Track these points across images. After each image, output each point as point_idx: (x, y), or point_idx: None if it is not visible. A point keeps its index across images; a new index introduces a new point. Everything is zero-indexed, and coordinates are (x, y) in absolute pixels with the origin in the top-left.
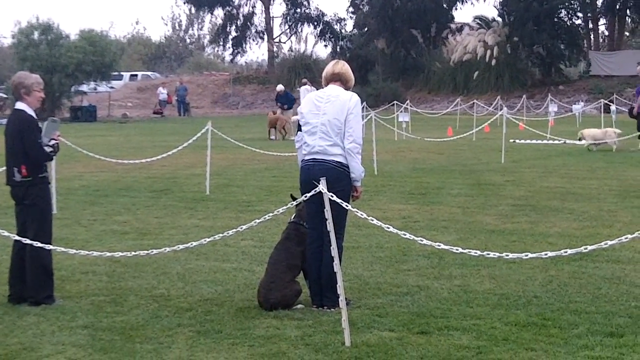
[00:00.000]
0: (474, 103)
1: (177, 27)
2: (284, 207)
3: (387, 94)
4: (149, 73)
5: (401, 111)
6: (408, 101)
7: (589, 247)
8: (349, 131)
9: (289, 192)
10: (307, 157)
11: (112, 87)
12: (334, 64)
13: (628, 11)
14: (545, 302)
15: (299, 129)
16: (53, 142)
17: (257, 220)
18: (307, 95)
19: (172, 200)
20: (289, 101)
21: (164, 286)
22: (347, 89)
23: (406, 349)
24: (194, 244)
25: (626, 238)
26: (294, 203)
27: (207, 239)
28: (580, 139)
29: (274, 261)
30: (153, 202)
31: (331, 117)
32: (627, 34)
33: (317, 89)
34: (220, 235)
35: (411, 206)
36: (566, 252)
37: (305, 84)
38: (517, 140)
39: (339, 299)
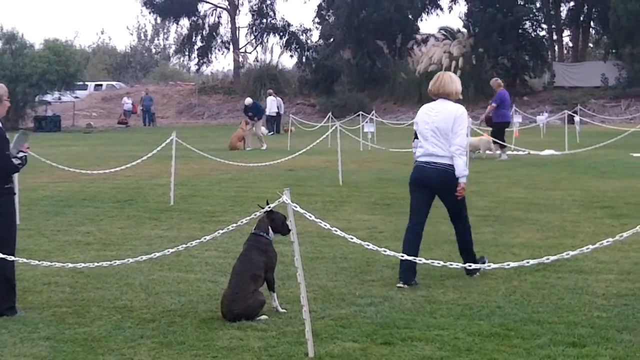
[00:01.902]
0: None
1: (143, 37)
2: (248, 218)
3: (353, 104)
4: (113, 83)
5: (367, 122)
6: (374, 111)
7: (551, 258)
8: (454, 136)
9: (254, 202)
10: (420, 159)
11: (76, 97)
12: (432, 82)
13: (592, 22)
14: (508, 312)
15: (415, 136)
16: (22, 154)
17: (221, 231)
18: (422, 108)
19: (136, 211)
20: (258, 112)
21: (127, 297)
22: (451, 99)
23: (369, 359)
24: (157, 254)
25: (587, 248)
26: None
27: (171, 250)
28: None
29: (237, 272)
30: (117, 212)
31: (440, 126)
32: (590, 45)
33: (281, 99)
34: (184, 245)
35: (376, 217)
36: (528, 262)
37: (270, 94)
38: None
39: (477, 261)
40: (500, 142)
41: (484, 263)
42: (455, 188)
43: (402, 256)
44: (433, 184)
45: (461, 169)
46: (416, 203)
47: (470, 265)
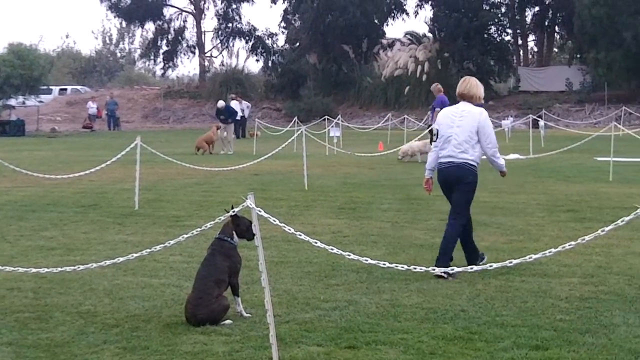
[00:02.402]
0: (404, 118)
1: (108, 41)
2: (212, 222)
3: (319, 108)
4: (78, 87)
5: (332, 126)
6: (339, 116)
7: (515, 261)
8: (487, 140)
9: (219, 207)
10: (443, 160)
11: (40, 101)
12: (460, 84)
13: (556, 27)
14: (472, 315)
15: (437, 137)
16: None
17: (185, 236)
18: (443, 111)
19: (100, 216)
20: (231, 115)
21: (91, 302)
22: (474, 102)
23: None
24: (121, 259)
25: (550, 252)
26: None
27: (135, 255)
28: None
29: (201, 277)
30: (81, 217)
31: (464, 129)
32: (555, 50)
33: (247, 102)
34: (148, 250)
35: (341, 221)
36: (491, 266)
37: (234, 98)
38: None
39: (446, 262)
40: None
41: (449, 275)
42: (469, 181)
43: (366, 260)
44: (452, 177)
45: (501, 166)
46: (448, 197)
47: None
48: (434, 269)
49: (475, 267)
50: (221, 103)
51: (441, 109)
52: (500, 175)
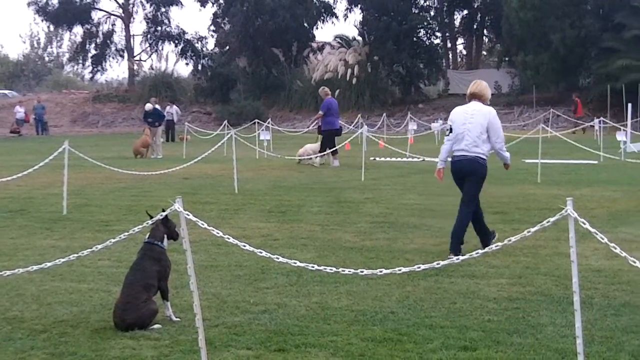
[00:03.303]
0: None
1: (36, 45)
2: (140, 226)
3: (249, 112)
4: (6, 91)
5: (262, 129)
6: (269, 119)
7: (442, 263)
8: (496, 135)
9: (149, 211)
10: (457, 154)
11: None
12: (472, 84)
13: (485, 31)
14: (401, 317)
15: (450, 131)
16: None
17: (113, 240)
18: (456, 109)
19: (27, 221)
20: (159, 117)
21: (18, 308)
22: (484, 102)
23: None
24: (49, 264)
25: (477, 253)
26: (149, 222)
27: (62, 260)
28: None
29: (129, 281)
30: (8, 222)
31: (475, 126)
32: (484, 53)
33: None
34: (75, 255)
35: (271, 224)
36: (419, 267)
37: (155, 102)
38: (377, 158)
39: (457, 246)
40: (331, 149)
41: (458, 255)
42: (480, 175)
43: (295, 262)
44: (465, 170)
45: (506, 158)
46: (460, 187)
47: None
48: (362, 271)
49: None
50: (148, 106)
51: (327, 112)
52: (504, 167)
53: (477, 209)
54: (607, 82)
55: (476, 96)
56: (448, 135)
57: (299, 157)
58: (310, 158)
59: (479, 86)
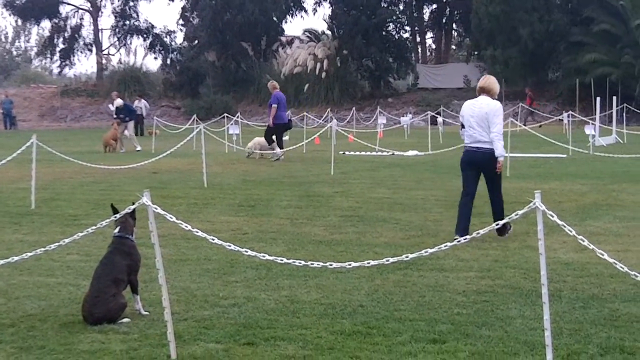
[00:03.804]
0: (304, 115)
1: (3, 39)
2: (108, 220)
3: (218, 106)
4: None
5: (232, 124)
6: (239, 114)
7: (410, 256)
8: (493, 126)
9: (117, 205)
10: (469, 145)
11: None
12: (481, 79)
13: (454, 25)
14: (370, 310)
15: (462, 125)
16: None
17: (80, 234)
18: (466, 103)
19: None
20: (129, 113)
21: None
22: (492, 97)
23: None
24: (16, 258)
25: (446, 246)
26: (116, 216)
27: (30, 254)
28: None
29: (98, 275)
30: None
31: (482, 118)
32: (453, 47)
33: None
34: (43, 249)
35: (240, 218)
36: (388, 260)
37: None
38: (347, 152)
39: (505, 225)
40: (278, 143)
41: (510, 228)
42: (493, 167)
43: (264, 256)
44: (479, 164)
45: (500, 150)
46: (467, 179)
47: (509, 228)
48: (331, 264)
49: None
50: (119, 101)
51: (277, 105)
52: (496, 163)
53: (472, 197)
54: (575, 76)
55: (485, 90)
56: (462, 129)
57: (248, 151)
58: (260, 152)
59: (487, 81)
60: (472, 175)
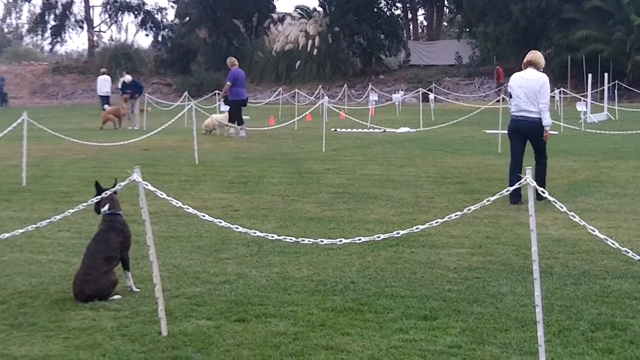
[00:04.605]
0: (296, 92)
1: None
2: (99, 197)
3: (210, 83)
4: None
5: (223, 101)
6: None
7: (402, 232)
8: (542, 98)
9: (108, 182)
10: (516, 114)
11: None
12: (529, 54)
13: (446, 2)
14: (361, 287)
15: (510, 96)
16: None
17: (71, 211)
18: (513, 76)
19: None
20: (137, 89)
21: None
22: (538, 70)
23: (223, 336)
24: (7, 235)
25: (437, 222)
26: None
27: (21, 230)
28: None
29: (91, 253)
30: None
31: (529, 89)
32: (445, 24)
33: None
34: (34, 226)
35: (232, 195)
36: (379, 237)
37: (102, 74)
38: (338, 129)
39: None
40: (237, 120)
41: (544, 198)
42: (541, 134)
43: (255, 233)
44: (526, 132)
45: (547, 120)
46: (515, 145)
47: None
48: (322, 241)
49: (363, 239)
50: (128, 77)
51: (234, 82)
52: (542, 131)
53: (521, 160)
54: (567, 53)
55: (532, 63)
56: (510, 99)
57: (205, 128)
58: (215, 129)
59: (534, 55)
60: (518, 142)
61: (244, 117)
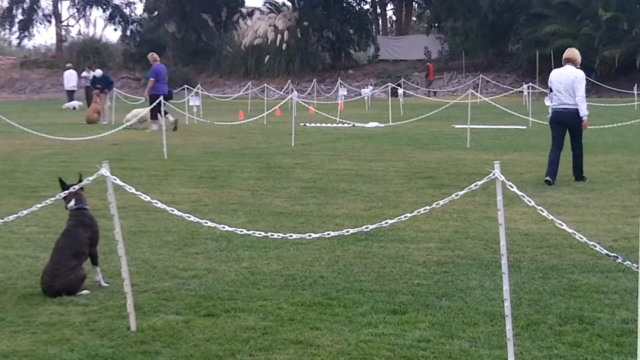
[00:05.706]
0: (265, 87)
1: None
2: (67, 192)
3: (178, 78)
4: None
5: (192, 95)
6: (199, 85)
7: (370, 227)
8: (577, 91)
9: (76, 178)
10: (557, 107)
11: None
12: (567, 51)
13: None
14: (331, 281)
15: (550, 90)
16: None
17: (39, 206)
18: (554, 72)
19: None
20: (108, 84)
21: None
22: (575, 66)
23: (192, 331)
24: None
25: (406, 217)
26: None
27: None
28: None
29: (59, 248)
30: None
31: (568, 84)
32: (414, 19)
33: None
34: (2, 221)
35: (201, 190)
36: (348, 231)
37: (68, 68)
38: (308, 124)
39: (581, 176)
40: (154, 114)
41: (585, 179)
42: (579, 123)
43: (224, 227)
44: (567, 122)
45: (584, 111)
46: (556, 135)
47: (584, 177)
48: (291, 235)
49: (333, 233)
50: (98, 72)
51: (156, 78)
52: (580, 121)
53: (579, 150)
54: (535, 48)
55: (570, 60)
56: (550, 93)
57: (126, 123)
58: (135, 123)
59: (572, 53)
60: (559, 131)
61: (167, 116)
